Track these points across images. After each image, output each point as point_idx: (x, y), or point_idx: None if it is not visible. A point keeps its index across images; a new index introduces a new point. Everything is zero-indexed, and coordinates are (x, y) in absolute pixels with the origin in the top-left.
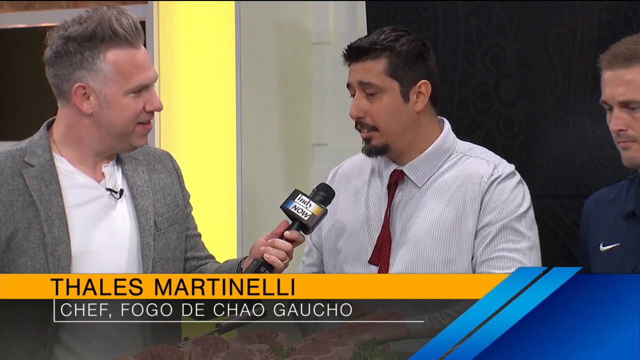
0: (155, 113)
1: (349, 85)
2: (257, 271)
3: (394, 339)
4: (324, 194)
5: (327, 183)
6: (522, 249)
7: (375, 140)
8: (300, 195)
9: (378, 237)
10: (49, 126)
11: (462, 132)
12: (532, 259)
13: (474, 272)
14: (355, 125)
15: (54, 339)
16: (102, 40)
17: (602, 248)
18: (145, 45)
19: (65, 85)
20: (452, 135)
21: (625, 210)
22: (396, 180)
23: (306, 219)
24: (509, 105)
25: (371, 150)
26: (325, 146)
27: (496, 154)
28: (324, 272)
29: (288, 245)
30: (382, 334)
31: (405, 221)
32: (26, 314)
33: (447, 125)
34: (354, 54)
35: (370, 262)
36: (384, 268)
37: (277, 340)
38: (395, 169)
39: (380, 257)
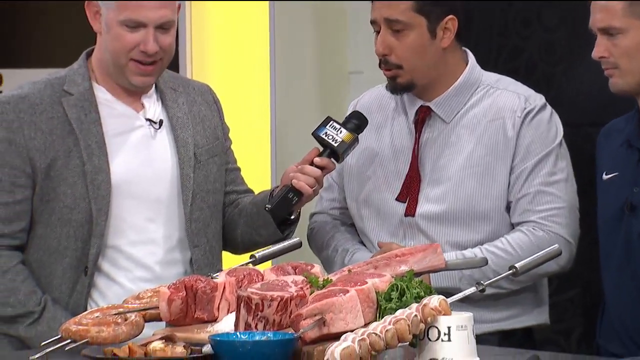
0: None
1: (373, 22)
2: (285, 197)
3: (432, 271)
4: (357, 122)
5: (360, 111)
6: (559, 181)
7: (400, 78)
8: (332, 122)
9: (407, 175)
10: (89, 55)
11: (502, 59)
12: (569, 191)
13: (509, 208)
14: (380, 63)
15: (95, 267)
16: None
17: (604, 177)
18: None
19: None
20: (478, 67)
21: (625, 139)
22: (423, 117)
23: (336, 145)
24: (551, 32)
25: (396, 88)
26: (361, 74)
27: (537, 81)
28: (346, 208)
29: (317, 171)
30: (419, 265)
31: (436, 158)
32: (66, 243)
33: (471, 57)
34: None
35: (398, 199)
36: (412, 205)
37: (313, 271)
38: (421, 105)
39: (409, 194)
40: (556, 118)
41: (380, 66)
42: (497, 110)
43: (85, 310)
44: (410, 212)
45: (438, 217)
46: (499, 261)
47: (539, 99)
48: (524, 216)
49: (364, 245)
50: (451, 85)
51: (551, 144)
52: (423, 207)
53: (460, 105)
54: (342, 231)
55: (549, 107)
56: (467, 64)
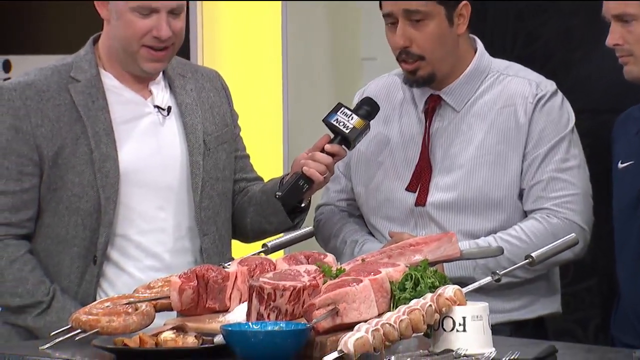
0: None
1: (388, 15)
2: (295, 184)
3: (447, 260)
4: (368, 108)
5: (371, 97)
6: (572, 167)
7: (422, 70)
8: (342, 108)
9: (417, 164)
10: (95, 41)
11: (518, 46)
12: (582, 177)
13: (522, 195)
14: (398, 56)
15: (104, 257)
16: None
17: (619, 165)
18: None
19: None
20: (486, 54)
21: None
22: (433, 106)
23: (347, 132)
24: (568, 17)
25: (418, 82)
26: (375, 60)
27: (554, 67)
28: (353, 199)
29: (328, 158)
30: (434, 254)
31: (447, 147)
32: (75, 232)
33: (480, 44)
34: None
35: (408, 189)
36: (423, 195)
37: (326, 261)
38: (431, 94)
39: (420, 184)
40: (567, 105)
41: (398, 59)
42: (508, 97)
43: (95, 300)
44: (421, 201)
45: (449, 205)
46: (514, 249)
47: (550, 85)
48: (538, 203)
49: (373, 236)
50: (461, 73)
51: (564, 130)
52: (434, 196)
53: (470, 93)
54: (350, 222)
55: (560, 94)
56: (475, 51)
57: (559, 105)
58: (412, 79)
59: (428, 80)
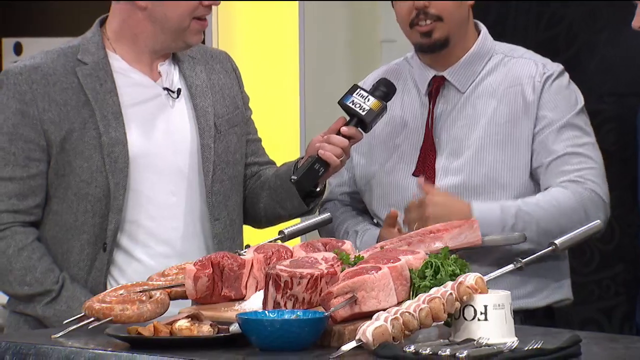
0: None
1: None
2: (310, 168)
3: (468, 248)
4: (385, 89)
5: (388, 78)
6: (587, 144)
7: (437, 32)
8: (359, 90)
9: (421, 148)
10: (102, 23)
11: (542, 27)
12: (598, 154)
13: (533, 175)
14: (413, 20)
15: (114, 243)
16: None
17: None
18: None
19: None
20: (490, 37)
21: None
22: (437, 87)
23: (363, 114)
24: None
25: (433, 45)
26: (394, 43)
27: (578, 50)
28: (356, 192)
29: (344, 141)
30: (455, 241)
31: (452, 130)
32: (84, 219)
33: (483, 27)
34: None
35: (414, 174)
36: (429, 180)
37: (344, 248)
38: (435, 76)
39: (425, 168)
40: (574, 86)
41: (412, 24)
42: (515, 78)
43: (105, 288)
44: None
45: (457, 189)
46: (541, 212)
47: (556, 66)
48: (558, 177)
49: (377, 226)
50: (465, 54)
51: (574, 107)
52: (442, 180)
53: (474, 75)
54: (352, 215)
55: (567, 74)
56: (479, 34)
57: (566, 84)
58: (426, 43)
59: (443, 44)
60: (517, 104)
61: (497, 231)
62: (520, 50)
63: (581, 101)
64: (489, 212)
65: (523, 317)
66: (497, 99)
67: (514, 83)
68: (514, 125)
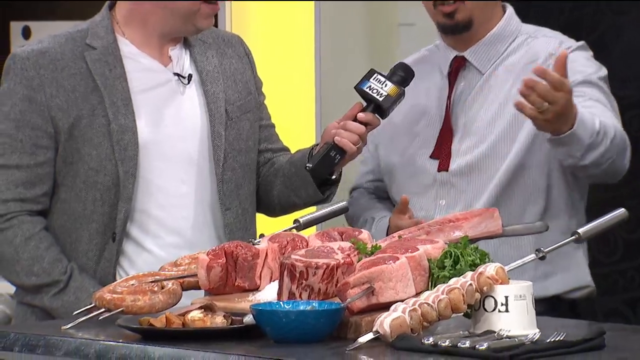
0: None
1: None
2: (326, 155)
3: (488, 237)
4: (403, 74)
5: (416, 66)
6: (610, 102)
7: (461, 13)
8: (376, 74)
9: (440, 130)
10: (112, 7)
11: (568, 9)
12: (619, 123)
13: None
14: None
15: (123, 233)
16: None
17: None
18: None
19: None
20: (516, 18)
21: None
22: (457, 68)
23: (381, 99)
24: None
25: (456, 27)
26: (412, 26)
27: (603, 32)
28: (381, 180)
29: (361, 127)
30: (475, 231)
31: (468, 111)
32: (92, 208)
33: (510, 8)
34: None
35: (432, 156)
36: (444, 162)
37: (360, 237)
38: (456, 56)
39: (441, 151)
40: (595, 61)
41: (435, 4)
42: (532, 55)
43: (114, 278)
44: (443, 167)
45: (470, 170)
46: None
47: (576, 42)
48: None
49: None
50: (487, 33)
51: (596, 72)
52: (457, 162)
53: (496, 55)
54: (373, 203)
55: (588, 50)
56: (504, 13)
57: (585, 56)
58: (449, 24)
59: (466, 26)
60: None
61: (587, 138)
62: (544, 30)
63: (603, 72)
64: (587, 121)
65: (543, 310)
66: (514, 78)
67: (531, 60)
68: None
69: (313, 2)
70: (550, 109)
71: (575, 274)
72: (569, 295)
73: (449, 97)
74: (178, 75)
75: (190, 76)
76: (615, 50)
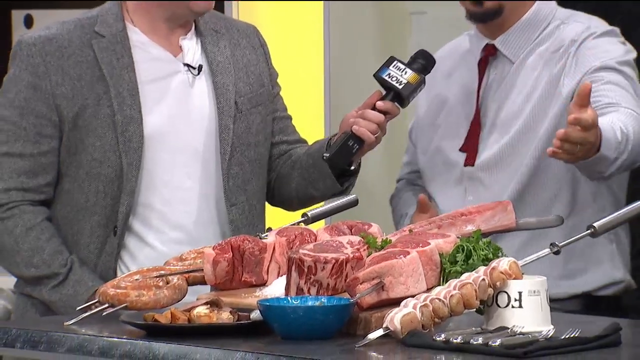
0: None
1: None
2: (344, 145)
3: (502, 231)
4: (423, 61)
5: (426, 50)
6: (633, 85)
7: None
8: (395, 62)
9: (471, 121)
10: None
11: None
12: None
13: None
14: None
15: (125, 227)
16: None
17: None
18: None
19: None
20: (552, 3)
21: None
22: (487, 56)
23: (400, 87)
24: None
25: (484, 14)
26: (424, 14)
27: (623, 20)
28: (418, 171)
29: (380, 116)
30: (487, 224)
31: (498, 102)
32: (95, 200)
33: None
34: None
35: (462, 149)
36: (471, 155)
37: (370, 231)
38: (487, 44)
39: (469, 143)
40: (628, 46)
41: None
42: (560, 41)
43: (115, 273)
44: (469, 161)
45: (495, 163)
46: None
47: (606, 26)
48: (606, 109)
49: None
50: (519, 19)
51: (620, 57)
52: (483, 155)
53: (528, 43)
54: (410, 196)
55: (616, 34)
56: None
57: (609, 41)
58: (477, 11)
59: (495, 14)
60: (556, 69)
61: (612, 154)
62: (577, 15)
63: (629, 55)
64: (610, 138)
65: (585, 306)
66: (541, 66)
67: (558, 47)
68: (553, 88)
69: None
70: (582, 149)
71: (605, 270)
72: (602, 292)
73: (479, 87)
74: (188, 65)
75: (200, 67)
76: (637, 37)
